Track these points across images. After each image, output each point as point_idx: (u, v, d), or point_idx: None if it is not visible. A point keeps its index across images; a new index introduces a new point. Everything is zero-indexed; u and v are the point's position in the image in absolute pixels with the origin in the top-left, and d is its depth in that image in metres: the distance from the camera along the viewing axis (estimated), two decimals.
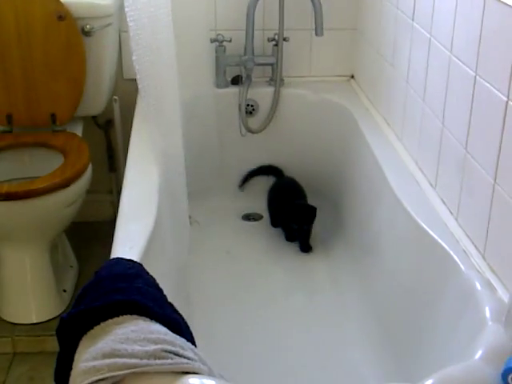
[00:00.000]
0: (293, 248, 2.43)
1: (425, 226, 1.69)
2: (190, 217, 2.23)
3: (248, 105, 2.62)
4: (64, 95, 2.43)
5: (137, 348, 1.11)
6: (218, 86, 2.60)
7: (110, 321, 1.18)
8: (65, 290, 2.40)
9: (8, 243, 2.25)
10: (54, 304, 2.32)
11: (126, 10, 1.85)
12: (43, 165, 2.31)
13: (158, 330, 1.17)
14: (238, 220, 2.61)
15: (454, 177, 1.68)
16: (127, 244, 1.54)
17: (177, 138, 2.04)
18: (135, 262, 1.40)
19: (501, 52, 1.42)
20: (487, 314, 1.34)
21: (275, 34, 2.54)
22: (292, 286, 2.25)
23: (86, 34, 2.39)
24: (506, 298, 1.37)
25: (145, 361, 1.09)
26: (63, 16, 2.32)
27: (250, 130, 2.61)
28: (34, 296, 2.31)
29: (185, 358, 1.13)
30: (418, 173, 1.94)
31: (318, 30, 2.40)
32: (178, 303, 1.37)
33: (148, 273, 1.37)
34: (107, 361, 1.09)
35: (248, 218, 2.62)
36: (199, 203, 2.48)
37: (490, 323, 1.31)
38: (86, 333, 1.19)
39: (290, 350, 1.96)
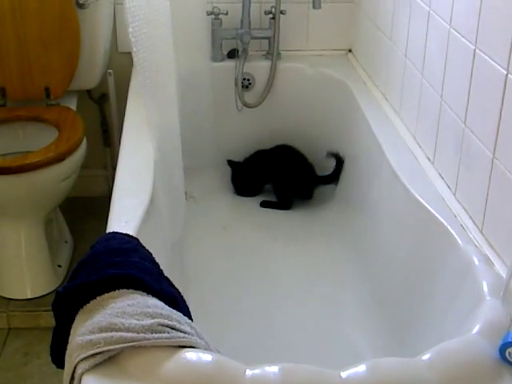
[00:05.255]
0: (290, 223, 2.43)
1: (422, 201, 1.68)
2: (185, 192, 2.22)
3: (244, 79, 2.60)
4: (58, 69, 2.41)
5: (133, 322, 1.10)
6: (214, 59, 2.58)
7: (106, 295, 1.18)
8: (60, 266, 2.40)
9: (2, 218, 2.24)
10: (48, 279, 2.32)
11: None
12: (37, 139, 2.29)
13: (154, 304, 1.17)
14: (234, 195, 2.60)
15: (452, 151, 1.67)
16: (123, 218, 1.53)
17: (173, 112, 2.02)
18: (131, 237, 1.39)
19: (501, 25, 1.40)
20: (485, 288, 1.33)
21: (272, 7, 2.51)
22: (289, 262, 2.24)
23: (81, 6, 2.36)
24: (503, 273, 1.37)
25: (141, 335, 1.09)
26: None
27: (246, 105, 2.59)
28: (29, 271, 2.30)
29: (181, 332, 1.13)
30: (415, 147, 1.93)
31: (316, 3, 2.38)
32: (173, 278, 1.36)
33: (144, 247, 1.37)
34: (104, 335, 1.09)
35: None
36: (195, 178, 2.46)
37: (488, 298, 1.30)
38: (82, 307, 1.18)
39: (287, 324, 1.96)
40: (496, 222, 1.46)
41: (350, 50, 2.69)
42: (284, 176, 2.50)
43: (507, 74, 1.38)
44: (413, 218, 1.73)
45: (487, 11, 1.47)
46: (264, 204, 2.53)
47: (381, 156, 1.97)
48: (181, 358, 1.09)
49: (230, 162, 2.56)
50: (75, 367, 1.09)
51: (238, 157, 2.59)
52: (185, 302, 1.32)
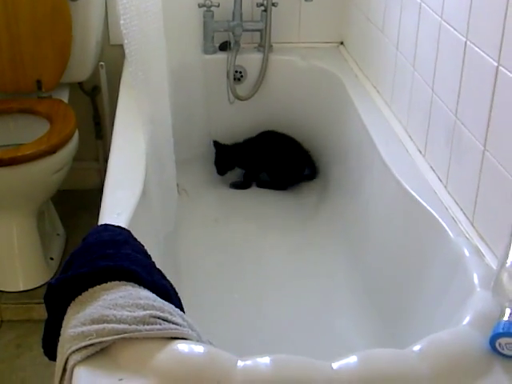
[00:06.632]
0: (282, 216, 2.43)
1: (414, 193, 1.68)
2: (177, 185, 2.21)
3: (236, 71, 2.59)
4: (50, 61, 2.40)
5: (125, 314, 1.11)
6: (206, 52, 2.57)
7: (98, 287, 1.18)
8: (52, 258, 2.39)
9: None
10: (41, 272, 2.32)
11: None
12: (29, 131, 2.29)
13: (146, 295, 1.17)
14: (225, 188, 2.60)
15: (443, 144, 1.68)
16: (115, 211, 1.53)
17: (164, 104, 2.02)
18: (123, 229, 1.39)
19: (492, 17, 1.40)
20: (475, 280, 1.34)
21: None
22: (280, 254, 2.25)
23: None
24: (494, 265, 1.38)
25: (133, 326, 1.09)
26: None
27: (238, 97, 2.59)
28: (21, 264, 2.30)
29: (173, 323, 1.13)
30: (407, 140, 1.93)
31: None
32: (165, 270, 1.36)
33: (136, 239, 1.37)
34: (96, 326, 1.09)
35: (236, 185, 2.61)
36: (187, 171, 2.46)
37: (478, 289, 1.31)
38: (73, 299, 1.18)
39: (278, 317, 1.97)
40: (487, 214, 1.46)
41: (341, 43, 2.69)
42: (278, 161, 2.55)
43: (498, 66, 1.38)
44: (404, 211, 1.73)
45: (478, 3, 1.47)
46: (260, 184, 2.59)
47: (372, 148, 1.97)
48: (173, 349, 1.09)
49: (216, 144, 2.58)
50: (67, 359, 1.09)
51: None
52: (177, 293, 1.32)
